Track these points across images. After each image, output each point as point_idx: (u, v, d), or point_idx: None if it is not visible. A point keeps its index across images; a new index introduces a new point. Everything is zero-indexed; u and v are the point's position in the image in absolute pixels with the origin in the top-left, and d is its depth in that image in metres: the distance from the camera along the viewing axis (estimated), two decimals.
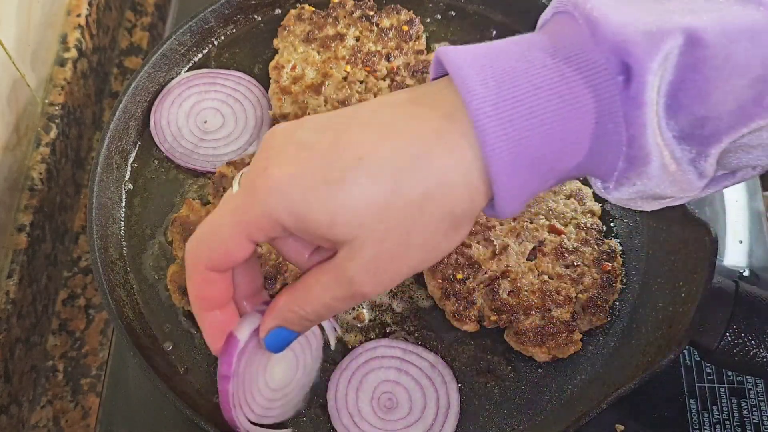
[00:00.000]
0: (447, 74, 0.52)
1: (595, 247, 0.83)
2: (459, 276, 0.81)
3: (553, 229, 0.84)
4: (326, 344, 0.72)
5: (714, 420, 0.85)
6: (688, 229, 0.81)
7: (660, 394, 0.86)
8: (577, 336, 0.79)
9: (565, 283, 0.81)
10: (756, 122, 0.48)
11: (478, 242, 0.83)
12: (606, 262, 0.82)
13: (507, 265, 0.82)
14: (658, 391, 0.86)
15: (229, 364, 0.60)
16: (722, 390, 0.87)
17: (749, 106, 0.48)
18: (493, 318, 0.80)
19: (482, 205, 0.52)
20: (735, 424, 0.85)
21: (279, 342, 0.58)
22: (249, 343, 0.61)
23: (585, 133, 0.49)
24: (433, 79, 0.54)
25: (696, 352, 0.80)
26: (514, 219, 0.84)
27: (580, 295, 0.81)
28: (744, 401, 0.86)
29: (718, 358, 0.76)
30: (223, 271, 0.56)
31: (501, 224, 0.84)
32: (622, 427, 0.83)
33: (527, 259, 0.83)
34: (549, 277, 0.82)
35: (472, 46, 0.52)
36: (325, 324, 0.71)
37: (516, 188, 0.50)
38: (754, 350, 0.74)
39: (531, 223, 0.84)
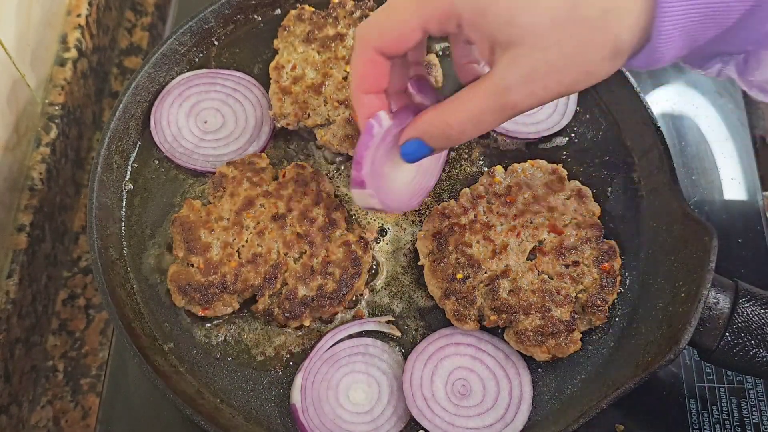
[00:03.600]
0: None
1: (595, 246, 0.83)
2: (459, 276, 0.81)
3: (553, 229, 0.84)
4: (396, 337, 0.83)
5: (714, 420, 0.85)
6: (688, 229, 0.81)
7: (660, 394, 0.86)
8: (577, 336, 0.80)
9: (565, 282, 0.81)
10: None
11: (478, 242, 0.83)
12: (606, 262, 0.82)
13: (507, 265, 0.82)
14: (658, 390, 0.86)
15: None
16: (722, 390, 0.87)
17: None
18: (492, 317, 0.80)
19: (638, 42, 0.54)
20: (735, 423, 0.85)
21: (414, 153, 0.64)
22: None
23: None
24: None
25: (696, 352, 0.80)
26: (515, 218, 0.84)
27: (579, 295, 0.81)
28: (744, 401, 0.86)
29: (717, 358, 0.76)
30: (388, 56, 0.61)
31: (501, 224, 0.84)
32: (622, 427, 0.83)
33: (527, 259, 0.83)
34: (549, 277, 0.82)
35: None
36: (380, 327, 0.83)
37: (679, 24, 0.51)
38: (754, 350, 0.74)
39: (531, 222, 0.84)
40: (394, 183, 0.78)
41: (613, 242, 0.84)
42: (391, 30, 0.58)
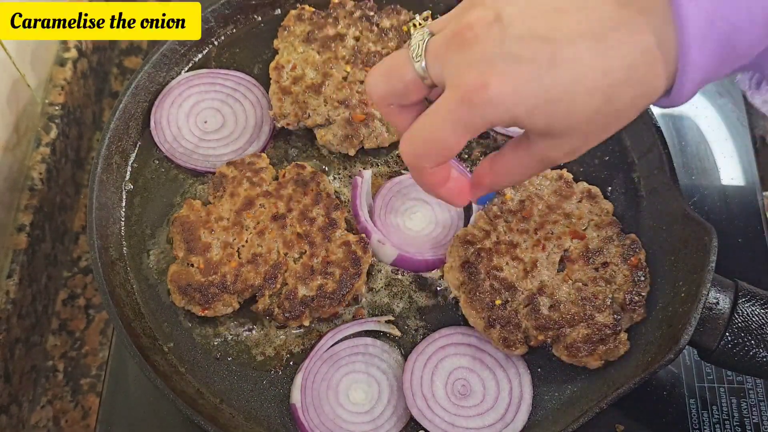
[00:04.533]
0: None
1: (618, 243, 0.83)
2: (498, 301, 0.81)
3: (575, 235, 0.84)
4: (396, 337, 0.83)
5: (714, 420, 0.85)
6: (688, 229, 0.81)
7: (660, 394, 0.86)
8: (624, 336, 0.79)
9: (600, 286, 0.80)
10: None
11: (507, 263, 0.83)
12: (632, 256, 0.82)
13: (541, 281, 0.81)
14: (658, 390, 0.86)
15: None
16: (722, 390, 0.87)
17: None
18: (540, 337, 0.79)
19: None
20: (735, 423, 0.85)
21: (486, 200, 0.73)
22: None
23: None
24: None
25: (696, 352, 0.80)
26: (536, 232, 0.84)
27: (616, 295, 0.80)
28: (744, 401, 0.86)
29: (717, 358, 0.76)
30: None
31: (524, 240, 0.84)
32: (622, 427, 0.83)
33: (558, 271, 0.82)
34: (583, 284, 0.81)
35: None
36: (380, 327, 0.84)
37: (700, 78, 0.54)
38: (754, 350, 0.74)
39: (552, 233, 0.84)
40: (410, 232, 0.89)
41: (633, 235, 0.84)
42: (444, 152, 0.62)
